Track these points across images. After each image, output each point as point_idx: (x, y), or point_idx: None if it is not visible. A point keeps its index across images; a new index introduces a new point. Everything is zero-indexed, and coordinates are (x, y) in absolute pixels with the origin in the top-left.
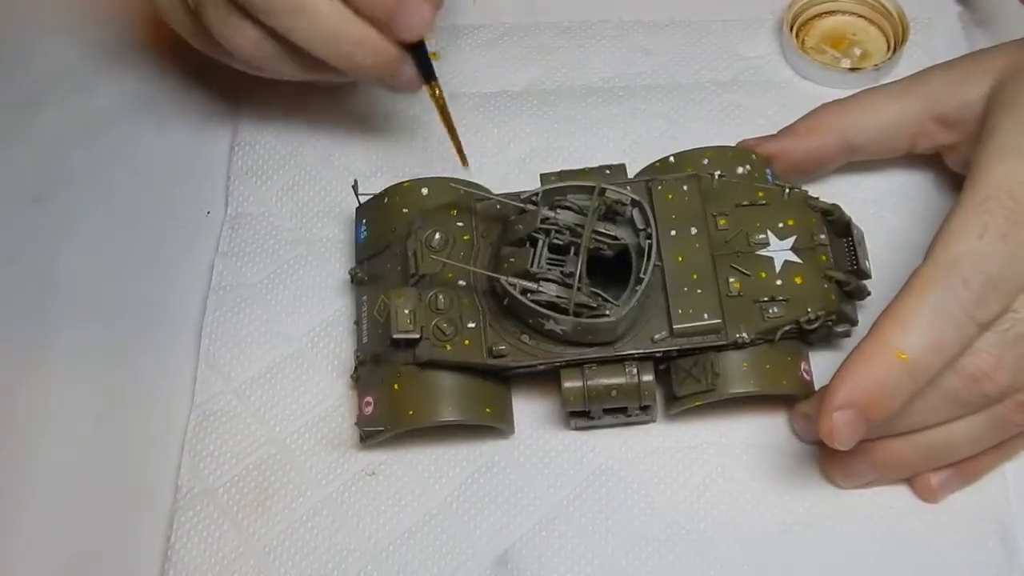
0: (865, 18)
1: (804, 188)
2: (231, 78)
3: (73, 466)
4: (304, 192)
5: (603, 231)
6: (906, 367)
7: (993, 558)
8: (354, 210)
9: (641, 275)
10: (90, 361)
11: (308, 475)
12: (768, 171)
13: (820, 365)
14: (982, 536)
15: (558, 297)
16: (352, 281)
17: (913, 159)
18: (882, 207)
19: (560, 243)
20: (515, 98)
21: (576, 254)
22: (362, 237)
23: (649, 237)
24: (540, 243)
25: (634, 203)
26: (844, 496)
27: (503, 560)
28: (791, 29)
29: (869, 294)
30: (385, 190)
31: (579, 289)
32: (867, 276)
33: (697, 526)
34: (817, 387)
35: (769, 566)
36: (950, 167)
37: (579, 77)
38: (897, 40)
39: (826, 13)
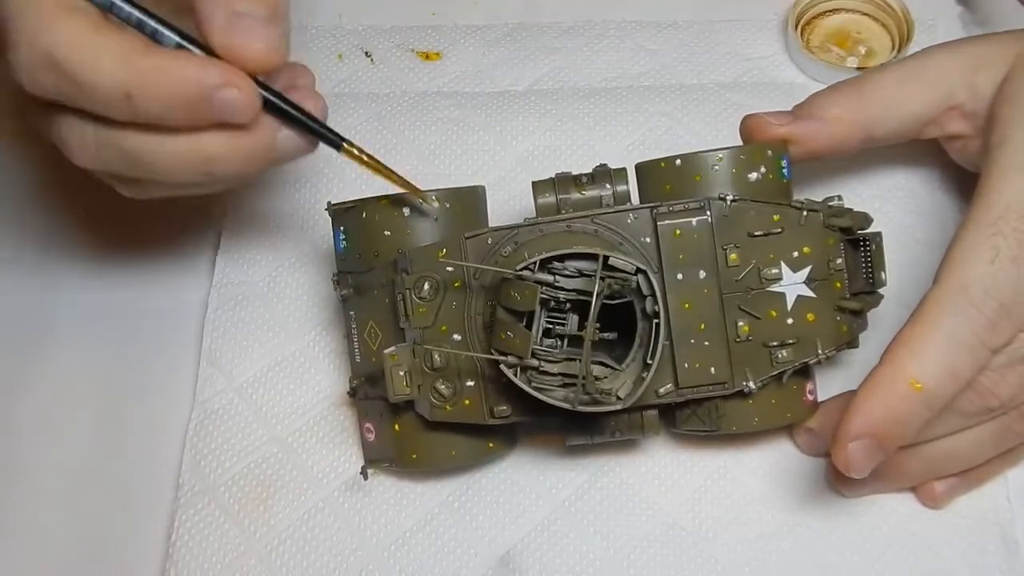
0: (869, 15)
1: (818, 202)
2: None
3: (74, 464)
4: (306, 189)
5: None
6: (921, 397)
7: (994, 560)
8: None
9: (649, 360)
10: (91, 360)
11: (310, 474)
12: (784, 163)
13: (823, 375)
14: (983, 538)
15: (561, 375)
16: (336, 289)
17: (918, 154)
18: (886, 202)
19: (558, 303)
20: (518, 98)
21: (576, 313)
22: (341, 247)
23: (656, 316)
24: (538, 313)
25: (638, 270)
26: (845, 498)
27: (505, 560)
28: (796, 28)
29: (882, 298)
30: (362, 202)
31: (584, 379)
32: (882, 286)
33: (698, 527)
34: (821, 398)
35: (769, 567)
36: (954, 158)
37: (582, 77)
38: (902, 37)
39: (830, 11)
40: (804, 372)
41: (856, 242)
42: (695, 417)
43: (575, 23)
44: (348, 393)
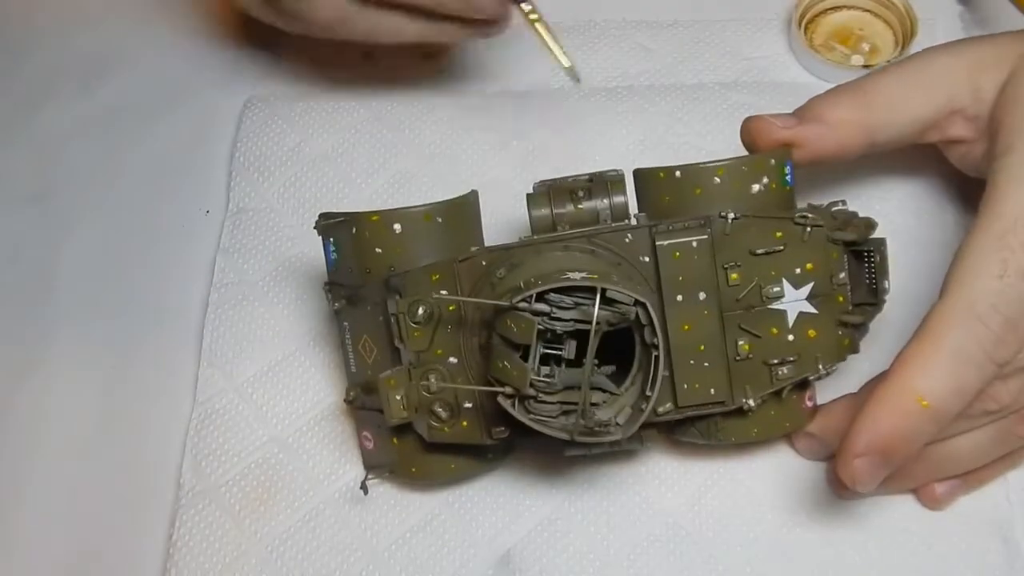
0: (871, 12)
1: (821, 212)
2: (231, 77)
3: (74, 465)
4: (306, 189)
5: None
6: (927, 413)
7: (994, 560)
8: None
9: (648, 392)
10: (91, 360)
11: (310, 474)
12: (787, 170)
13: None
14: (983, 538)
15: (560, 404)
16: (328, 300)
17: (920, 156)
18: (886, 203)
19: (556, 332)
20: (518, 97)
21: (570, 336)
22: (332, 259)
23: (656, 348)
24: (534, 345)
25: (637, 302)
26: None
27: (505, 560)
28: (799, 26)
29: (884, 304)
30: (352, 217)
31: (583, 416)
32: (886, 293)
33: (698, 527)
34: (820, 401)
35: (769, 567)
36: (954, 163)
37: (583, 76)
38: (906, 35)
39: (832, 8)
40: (803, 383)
41: (860, 252)
42: (694, 430)
43: (576, 22)
44: (345, 401)
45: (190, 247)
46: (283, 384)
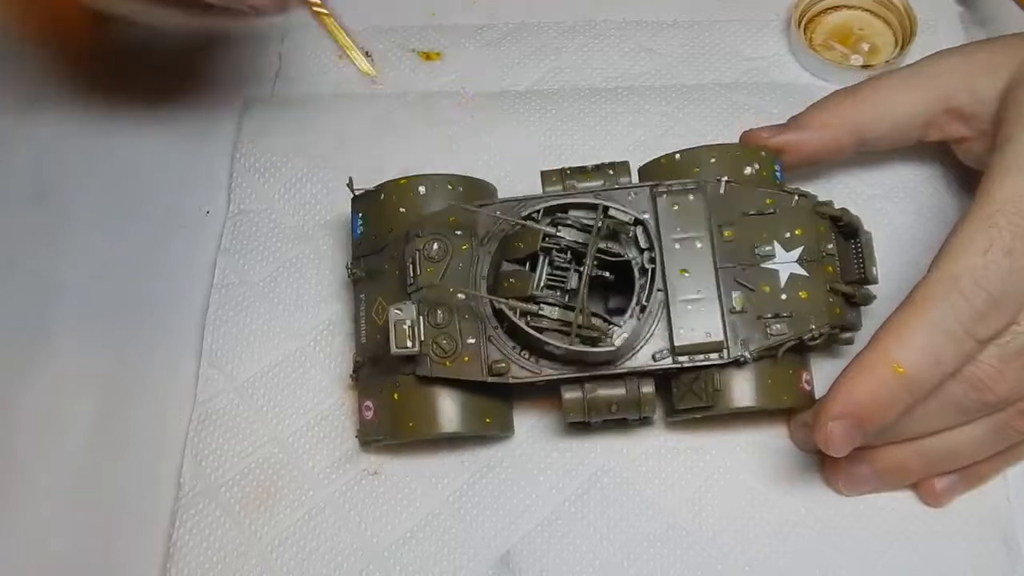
0: (871, 12)
1: (812, 193)
2: (233, 75)
3: (74, 464)
4: (307, 190)
5: (605, 249)
6: (903, 380)
7: (994, 560)
8: (356, 198)
9: (644, 302)
10: (91, 360)
11: (310, 474)
12: (777, 167)
13: (821, 372)
14: (984, 538)
15: (559, 321)
16: (349, 277)
17: (921, 153)
18: (888, 201)
19: (561, 260)
20: (518, 98)
21: (577, 270)
22: (358, 232)
23: (652, 261)
24: (541, 263)
25: (637, 222)
26: (845, 497)
27: (505, 560)
28: (799, 26)
29: (875, 298)
30: (381, 185)
31: (580, 317)
32: (874, 282)
33: (698, 527)
34: (818, 395)
35: (770, 568)
36: (960, 159)
37: (583, 77)
38: (905, 34)
39: (831, 8)
40: (800, 356)
41: (847, 235)
42: (691, 394)
43: (576, 23)
44: (351, 376)
45: (190, 247)
46: (283, 384)
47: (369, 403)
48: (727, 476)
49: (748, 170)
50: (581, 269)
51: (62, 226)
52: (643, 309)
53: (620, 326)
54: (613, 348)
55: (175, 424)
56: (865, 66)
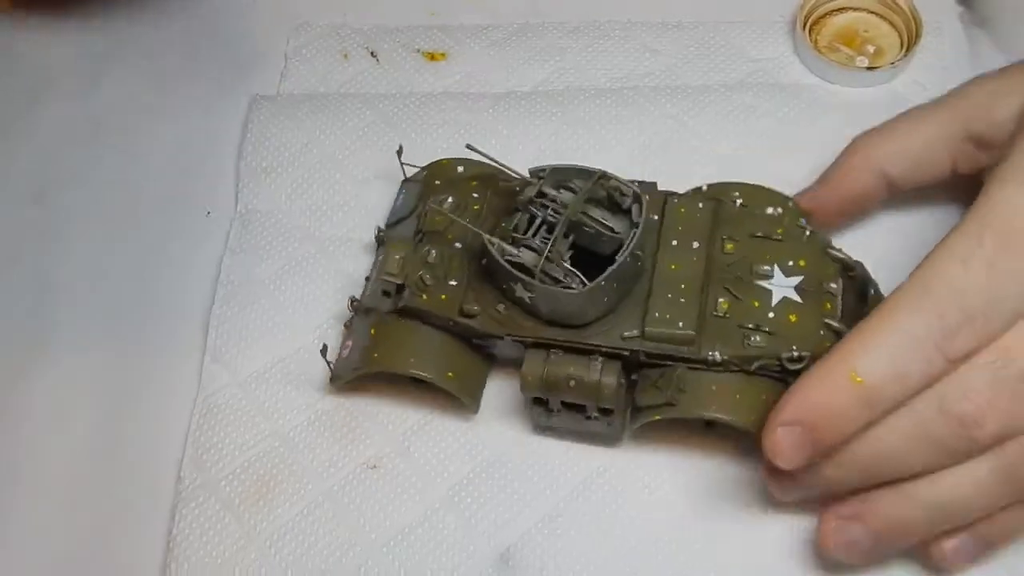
0: (876, 14)
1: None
2: (235, 75)
3: (75, 459)
4: (314, 190)
5: (597, 218)
6: (860, 392)
7: (994, 559)
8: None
9: (616, 256)
10: (91, 359)
11: (310, 468)
12: (803, 221)
13: None
14: None
15: (534, 267)
16: (376, 240)
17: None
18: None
19: (555, 222)
20: (523, 99)
21: (568, 235)
22: (398, 203)
23: (636, 226)
24: (533, 217)
25: (635, 197)
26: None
27: (504, 558)
28: (804, 27)
29: None
30: (427, 166)
31: (550, 259)
32: None
33: (698, 527)
34: None
35: (770, 568)
36: None
37: (587, 78)
38: (911, 36)
39: (837, 10)
40: (777, 385)
41: (858, 290)
42: (654, 389)
43: (580, 23)
44: (345, 325)
45: (190, 247)
46: (286, 381)
47: (350, 343)
48: (727, 476)
49: (771, 211)
50: (572, 236)
51: (62, 226)
52: (615, 263)
53: (594, 285)
54: (577, 293)
55: (177, 418)
56: (870, 68)
